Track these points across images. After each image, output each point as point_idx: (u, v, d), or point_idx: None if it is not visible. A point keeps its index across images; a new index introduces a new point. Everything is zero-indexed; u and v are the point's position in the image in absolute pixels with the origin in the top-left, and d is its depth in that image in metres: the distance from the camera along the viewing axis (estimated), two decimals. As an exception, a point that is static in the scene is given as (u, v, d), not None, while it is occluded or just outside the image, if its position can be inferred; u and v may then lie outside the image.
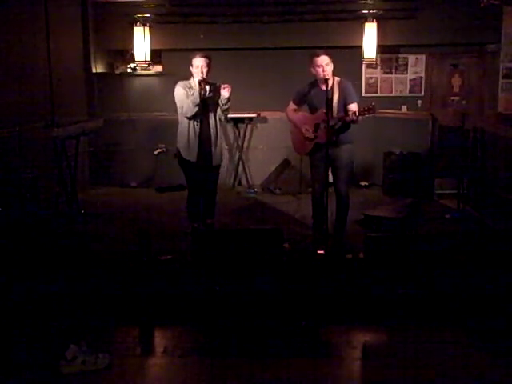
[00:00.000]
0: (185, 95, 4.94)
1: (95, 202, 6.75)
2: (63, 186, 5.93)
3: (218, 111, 5.08)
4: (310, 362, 3.47)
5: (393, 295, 4.08)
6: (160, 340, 3.94)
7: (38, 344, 3.63)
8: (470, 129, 6.54)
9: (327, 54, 4.73)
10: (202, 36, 7.60)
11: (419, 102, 8.01)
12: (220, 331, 3.88)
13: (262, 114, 7.92)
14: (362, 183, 7.79)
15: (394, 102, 7.94)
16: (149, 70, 8.08)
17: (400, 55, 7.97)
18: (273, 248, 4.46)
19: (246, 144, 8.02)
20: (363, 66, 7.94)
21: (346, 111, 4.74)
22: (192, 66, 4.95)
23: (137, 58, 7.73)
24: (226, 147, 8.02)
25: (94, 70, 7.92)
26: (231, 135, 8.05)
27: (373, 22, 7.51)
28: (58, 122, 5.83)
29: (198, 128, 4.99)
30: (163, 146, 7.73)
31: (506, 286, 4.08)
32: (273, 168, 7.81)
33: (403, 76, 8.01)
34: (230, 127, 7.98)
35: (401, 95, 8.02)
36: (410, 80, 8.01)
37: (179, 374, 3.41)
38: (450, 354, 3.53)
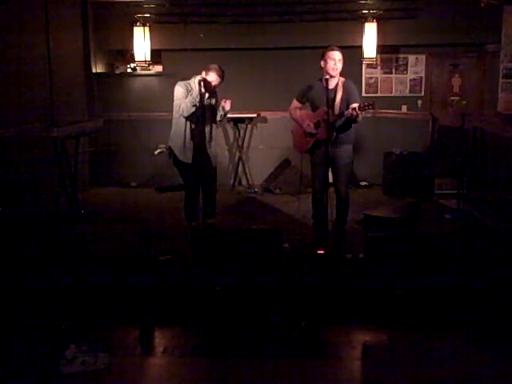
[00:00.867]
0: (184, 94, 4.96)
1: (95, 202, 6.75)
2: (63, 186, 5.92)
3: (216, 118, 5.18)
4: (309, 361, 3.47)
5: (393, 295, 4.08)
6: (160, 340, 3.93)
7: (38, 344, 3.62)
8: (469, 129, 6.54)
9: (342, 53, 4.79)
10: (201, 36, 7.60)
11: (419, 102, 8.02)
12: (220, 331, 3.88)
13: (262, 113, 7.92)
14: (362, 183, 7.79)
15: (394, 102, 7.95)
16: (149, 69, 8.09)
17: (400, 55, 7.98)
18: (273, 248, 4.46)
19: (245, 144, 8.02)
20: (363, 66, 7.94)
21: (348, 110, 4.76)
22: (207, 75, 5.00)
23: (137, 58, 7.74)
24: (226, 147, 8.04)
25: (93, 70, 7.93)
26: (231, 135, 8.05)
27: (373, 21, 7.52)
28: (57, 122, 5.82)
29: (194, 129, 5.03)
30: (163, 146, 7.70)
31: (506, 286, 4.08)
32: (273, 168, 7.81)
33: (403, 76, 8.02)
34: (229, 127, 7.99)
35: (401, 95, 8.02)
36: (410, 80, 8.01)
37: (179, 374, 3.40)
38: (450, 354, 3.53)
